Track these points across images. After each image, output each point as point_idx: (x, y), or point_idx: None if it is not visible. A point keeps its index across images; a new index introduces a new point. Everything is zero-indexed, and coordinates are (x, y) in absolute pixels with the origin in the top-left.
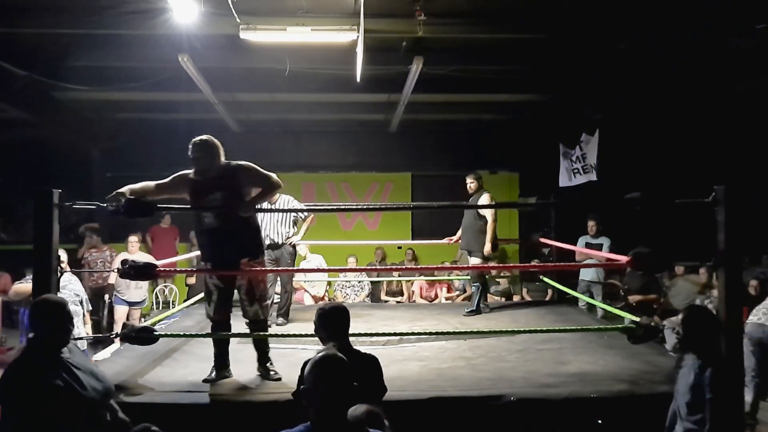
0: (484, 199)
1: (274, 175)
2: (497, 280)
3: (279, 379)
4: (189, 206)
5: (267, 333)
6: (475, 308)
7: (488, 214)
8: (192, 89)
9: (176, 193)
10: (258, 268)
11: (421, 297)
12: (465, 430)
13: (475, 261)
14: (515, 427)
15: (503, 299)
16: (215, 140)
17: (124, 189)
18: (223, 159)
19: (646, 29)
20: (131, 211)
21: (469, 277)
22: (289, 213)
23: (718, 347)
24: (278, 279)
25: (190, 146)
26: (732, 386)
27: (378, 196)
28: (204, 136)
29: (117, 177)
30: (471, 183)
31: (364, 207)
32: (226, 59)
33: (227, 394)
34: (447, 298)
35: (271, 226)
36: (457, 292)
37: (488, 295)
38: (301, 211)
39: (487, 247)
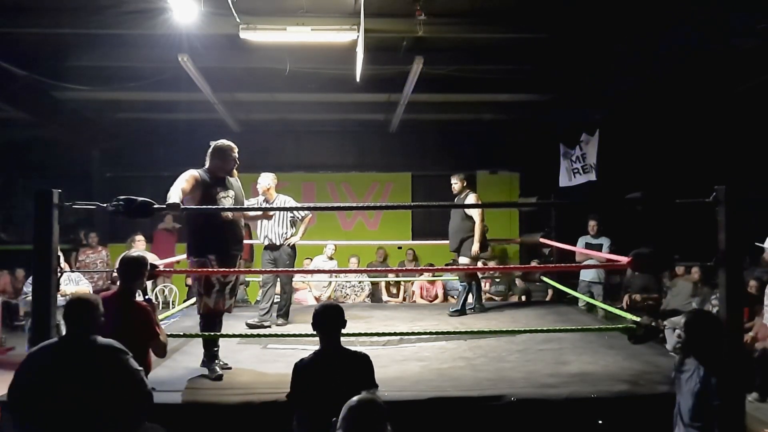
0: (471, 199)
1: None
2: (497, 279)
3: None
4: (199, 205)
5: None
6: (459, 309)
7: (475, 214)
8: (192, 89)
9: (190, 194)
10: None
11: (422, 297)
12: (465, 430)
13: (464, 262)
14: (516, 427)
15: (500, 299)
16: None
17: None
18: None
19: (646, 29)
20: (132, 211)
21: (457, 278)
22: (286, 214)
23: (722, 353)
24: (278, 279)
25: (233, 149)
26: (733, 390)
27: (378, 196)
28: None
29: (117, 177)
30: (455, 183)
31: (364, 206)
32: (226, 59)
33: (227, 394)
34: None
35: (269, 227)
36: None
37: (488, 294)
38: (298, 209)
39: (475, 248)
